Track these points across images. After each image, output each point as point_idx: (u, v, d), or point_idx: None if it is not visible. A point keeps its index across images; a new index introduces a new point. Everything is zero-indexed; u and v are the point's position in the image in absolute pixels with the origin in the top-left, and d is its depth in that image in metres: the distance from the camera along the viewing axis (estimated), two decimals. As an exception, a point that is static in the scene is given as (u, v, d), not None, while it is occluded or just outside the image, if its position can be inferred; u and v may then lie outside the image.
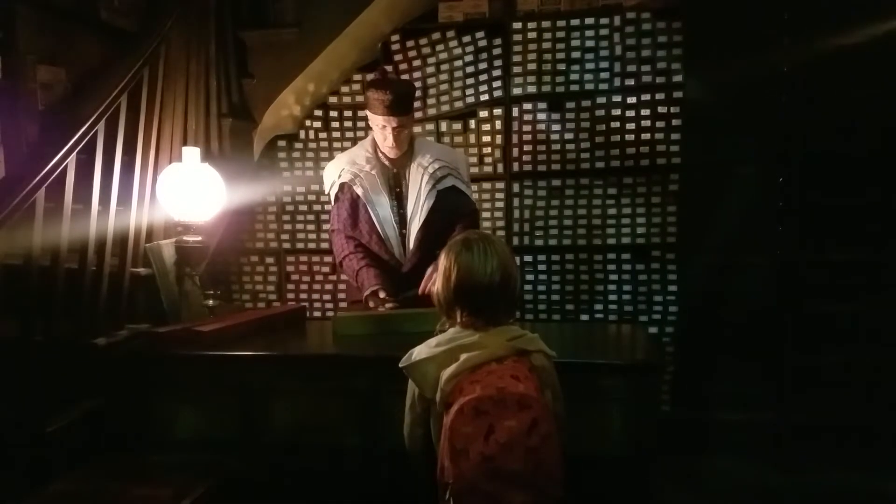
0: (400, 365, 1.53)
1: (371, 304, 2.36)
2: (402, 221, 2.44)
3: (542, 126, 3.25)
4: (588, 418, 1.92)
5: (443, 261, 1.55)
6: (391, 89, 2.32)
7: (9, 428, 1.88)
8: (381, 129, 2.39)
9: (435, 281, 1.58)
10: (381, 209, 2.41)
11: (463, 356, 1.45)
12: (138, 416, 2.15)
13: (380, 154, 2.48)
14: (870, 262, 3.12)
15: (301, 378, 2.08)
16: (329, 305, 3.53)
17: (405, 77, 3.28)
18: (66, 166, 2.06)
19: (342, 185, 2.45)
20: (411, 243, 2.42)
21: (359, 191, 2.41)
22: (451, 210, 2.42)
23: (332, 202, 2.53)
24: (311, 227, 3.52)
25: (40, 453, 1.91)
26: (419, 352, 1.52)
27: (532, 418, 1.35)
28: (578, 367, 1.91)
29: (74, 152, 2.08)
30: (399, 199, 2.46)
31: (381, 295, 2.33)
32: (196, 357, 2.13)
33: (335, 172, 2.48)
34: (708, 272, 3.23)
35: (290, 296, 3.56)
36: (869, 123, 3.10)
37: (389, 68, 3.34)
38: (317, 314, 3.52)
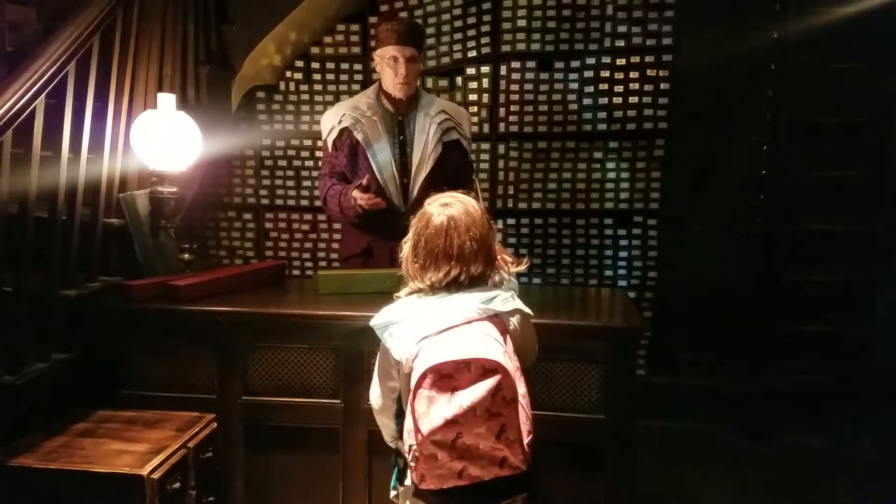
0: (371, 324, 1.51)
1: (355, 193, 2.28)
2: (404, 169, 2.40)
3: (529, 86, 3.19)
4: (567, 380, 1.94)
5: (412, 227, 1.51)
6: (403, 20, 2.45)
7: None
8: (392, 63, 2.34)
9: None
10: (381, 154, 2.37)
11: (431, 318, 1.43)
12: (111, 370, 2.12)
13: (384, 100, 2.44)
14: (851, 232, 3.16)
15: (279, 335, 2.05)
16: (308, 264, 3.48)
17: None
18: (35, 109, 1.96)
19: (341, 132, 2.40)
20: (415, 192, 2.38)
21: (359, 136, 2.37)
22: (453, 170, 2.40)
23: (329, 149, 2.45)
24: (290, 182, 3.44)
25: (9, 406, 1.86)
26: (389, 312, 1.50)
27: (496, 383, 1.32)
28: (558, 329, 1.92)
29: (43, 94, 1.98)
30: (402, 146, 2.41)
31: (364, 183, 2.28)
32: (171, 311, 2.08)
33: (335, 118, 2.43)
34: (689, 239, 3.25)
35: (269, 253, 3.50)
36: (856, 95, 3.10)
37: (373, 19, 3.25)
38: (296, 272, 3.47)
